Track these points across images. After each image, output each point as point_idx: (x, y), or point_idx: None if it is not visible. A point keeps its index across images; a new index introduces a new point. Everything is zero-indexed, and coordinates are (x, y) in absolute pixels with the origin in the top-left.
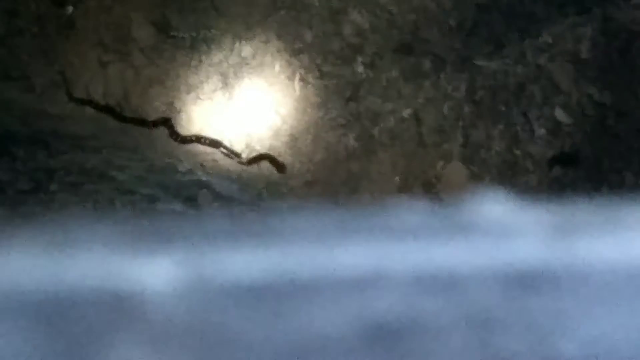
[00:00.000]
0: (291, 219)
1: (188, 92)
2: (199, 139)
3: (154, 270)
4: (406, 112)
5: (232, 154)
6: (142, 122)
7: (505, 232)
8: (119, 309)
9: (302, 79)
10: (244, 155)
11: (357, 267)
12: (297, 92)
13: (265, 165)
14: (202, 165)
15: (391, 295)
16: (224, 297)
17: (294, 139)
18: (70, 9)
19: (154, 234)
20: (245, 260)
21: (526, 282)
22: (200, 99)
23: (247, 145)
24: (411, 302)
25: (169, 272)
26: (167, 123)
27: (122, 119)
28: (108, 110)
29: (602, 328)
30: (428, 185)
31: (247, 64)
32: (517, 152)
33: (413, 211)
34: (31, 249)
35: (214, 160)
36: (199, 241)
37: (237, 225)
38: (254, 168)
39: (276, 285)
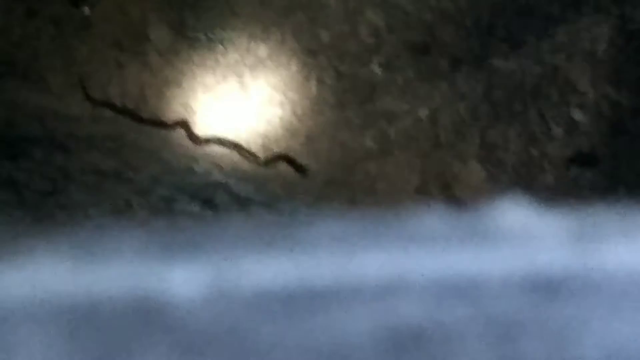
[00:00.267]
0: (311, 224)
1: (204, 93)
2: (215, 140)
3: (178, 277)
4: (422, 113)
5: (249, 154)
6: (158, 123)
7: (527, 238)
8: (143, 317)
9: (318, 80)
10: (261, 156)
11: (378, 273)
12: (314, 93)
13: (282, 166)
14: (219, 166)
15: (412, 302)
16: (247, 304)
17: (310, 139)
18: (86, 9)
19: (178, 240)
20: (267, 266)
21: (548, 288)
22: (216, 99)
23: (264, 146)
24: (432, 309)
25: (193, 280)
26: (183, 124)
27: (138, 119)
28: (125, 111)
29: (625, 335)
30: (445, 186)
31: (263, 64)
32: (534, 152)
33: (433, 216)
34: (54, 254)
35: (231, 161)
36: (222, 247)
37: (258, 230)
38: (271, 169)
39: (297, 292)
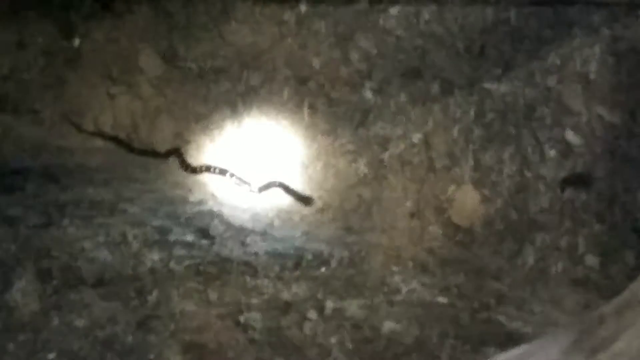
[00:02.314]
0: None
1: (197, 122)
2: (209, 169)
3: None
4: (416, 137)
5: (243, 183)
6: (151, 153)
7: None
8: None
9: (310, 106)
10: (255, 184)
11: None
12: (306, 119)
13: (276, 193)
14: (213, 195)
15: None
16: None
17: (304, 166)
18: (77, 41)
19: None
20: None
21: None
22: (209, 128)
23: (258, 174)
24: None
25: None
26: (177, 153)
27: (131, 150)
28: (117, 141)
29: None
30: (440, 210)
31: (255, 92)
32: (529, 174)
33: None
34: None
35: (225, 190)
36: None
37: None
38: (265, 196)
39: None
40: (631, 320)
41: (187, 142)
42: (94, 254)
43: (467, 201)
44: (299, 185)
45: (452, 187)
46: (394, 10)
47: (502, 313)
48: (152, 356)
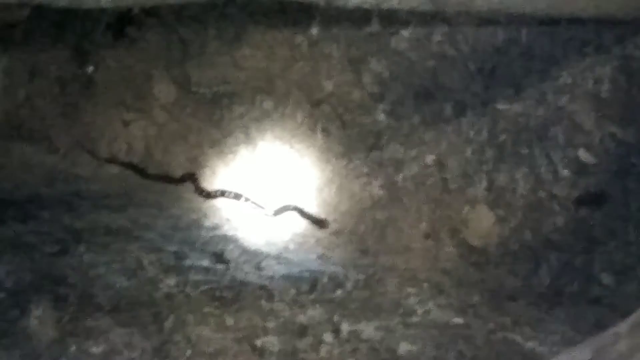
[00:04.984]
0: None
1: (211, 147)
2: (223, 194)
3: None
4: (429, 158)
5: (258, 207)
6: (166, 179)
7: None
8: None
9: (324, 129)
10: (269, 208)
11: None
12: (320, 143)
13: (291, 217)
14: (228, 219)
15: None
16: None
17: (318, 189)
18: (90, 68)
19: None
20: None
21: None
22: (223, 153)
23: (272, 198)
24: None
25: None
26: (191, 178)
27: (146, 176)
28: (132, 168)
29: None
30: (454, 231)
31: (269, 116)
32: (542, 194)
33: None
34: None
35: (240, 214)
36: None
37: None
38: (279, 220)
39: None
40: None
41: (202, 167)
42: (110, 280)
43: (481, 222)
44: (313, 209)
45: (466, 208)
46: (405, 33)
47: (518, 333)
48: None
